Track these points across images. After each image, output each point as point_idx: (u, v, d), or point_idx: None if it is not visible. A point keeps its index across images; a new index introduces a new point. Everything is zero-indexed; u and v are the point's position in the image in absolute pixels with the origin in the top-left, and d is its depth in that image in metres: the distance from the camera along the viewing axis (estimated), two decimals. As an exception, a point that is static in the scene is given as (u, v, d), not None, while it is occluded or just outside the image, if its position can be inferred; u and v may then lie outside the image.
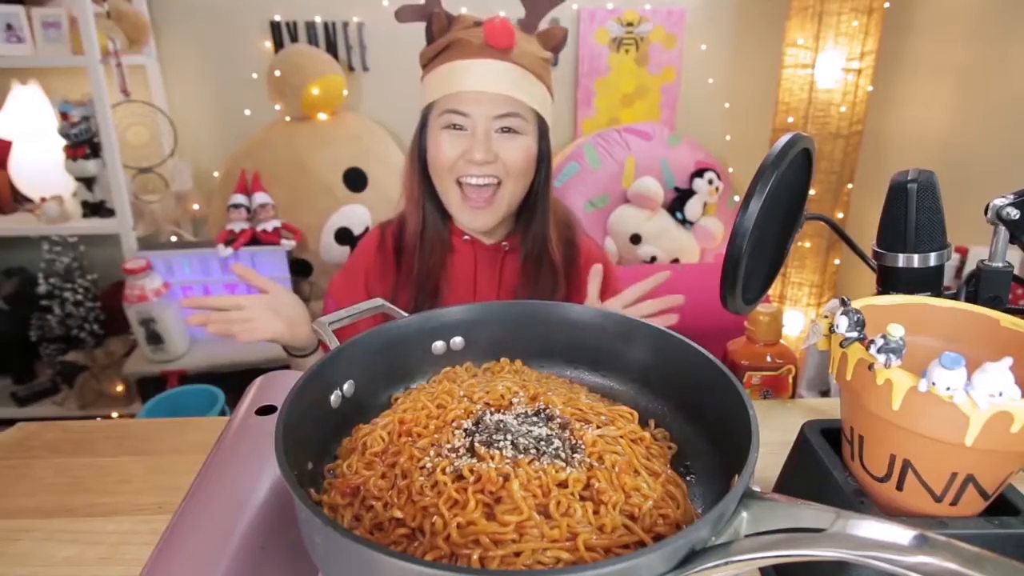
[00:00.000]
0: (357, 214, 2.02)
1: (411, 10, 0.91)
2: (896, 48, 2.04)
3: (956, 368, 0.38)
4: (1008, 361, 0.38)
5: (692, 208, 2.13)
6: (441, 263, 0.96)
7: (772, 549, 0.33)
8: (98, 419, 0.95)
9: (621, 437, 0.47)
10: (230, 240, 1.87)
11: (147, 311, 1.81)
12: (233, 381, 1.76)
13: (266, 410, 0.60)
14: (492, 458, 0.43)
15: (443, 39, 0.89)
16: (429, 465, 0.43)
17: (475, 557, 0.37)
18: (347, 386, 0.52)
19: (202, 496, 0.50)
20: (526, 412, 0.49)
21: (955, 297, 0.59)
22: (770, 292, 0.72)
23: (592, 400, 0.54)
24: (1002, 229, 0.57)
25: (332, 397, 0.50)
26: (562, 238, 1.00)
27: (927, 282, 0.61)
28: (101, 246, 2.16)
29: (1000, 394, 0.38)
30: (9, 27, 1.79)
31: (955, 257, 1.42)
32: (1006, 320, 0.48)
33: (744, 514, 0.35)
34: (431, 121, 0.91)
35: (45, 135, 1.96)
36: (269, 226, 1.90)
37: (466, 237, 0.98)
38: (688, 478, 0.49)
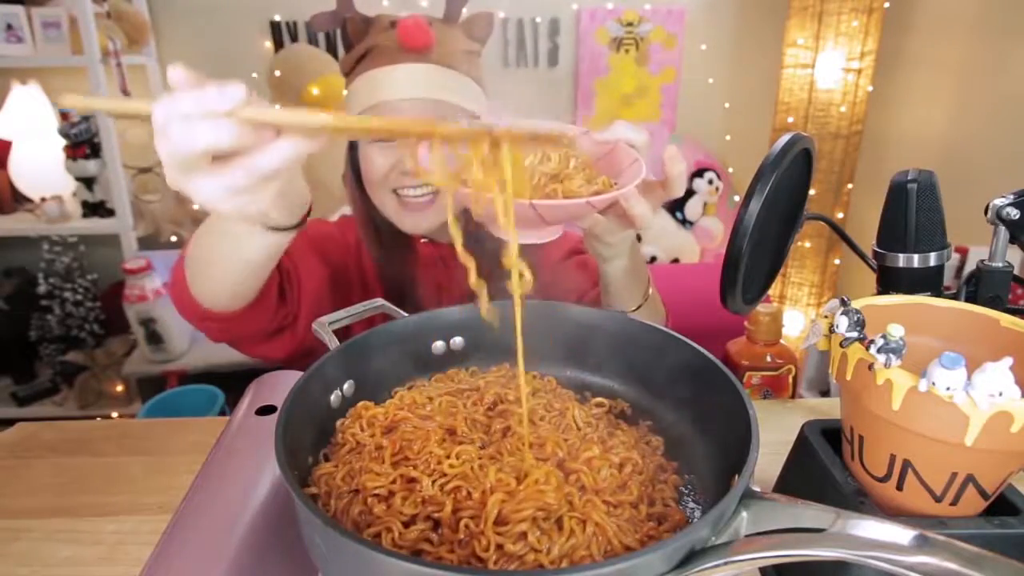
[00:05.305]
0: (357, 214, 2.02)
1: (323, 17, 0.86)
2: (896, 48, 2.04)
3: (956, 368, 0.38)
4: (1008, 361, 0.38)
5: (692, 208, 2.13)
6: (409, 272, 0.91)
7: (772, 549, 0.33)
8: (98, 419, 0.95)
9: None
10: (230, 240, 1.87)
11: (147, 311, 1.81)
12: (233, 381, 1.75)
13: (266, 410, 0.60)
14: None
15: (360, 46, 0.84)
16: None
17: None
18: (347, 386, 0.52)
19: (202, 496, 0.50)
20: None
21: (955, 297, 0.59)
22: (770, 292, 0.72)
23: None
24: (1002, 229, 0.57)
25: (332, 397, 0.51)
26: None
27: (927, 282, 0.61)
28: (101, 246, 2.16)
29: (1000, 394, 0.38)
30: (9, 27, 1.79)
31: (955, 257, 1.42)
32: (1006, 320, 0.48)
33: (744, 514, 0.35)
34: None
35: (45, 135, 1.96)
36: (269, 226, 1.90)
37: (424, 239, 0.92)
38: (688, 477, 0.49)
